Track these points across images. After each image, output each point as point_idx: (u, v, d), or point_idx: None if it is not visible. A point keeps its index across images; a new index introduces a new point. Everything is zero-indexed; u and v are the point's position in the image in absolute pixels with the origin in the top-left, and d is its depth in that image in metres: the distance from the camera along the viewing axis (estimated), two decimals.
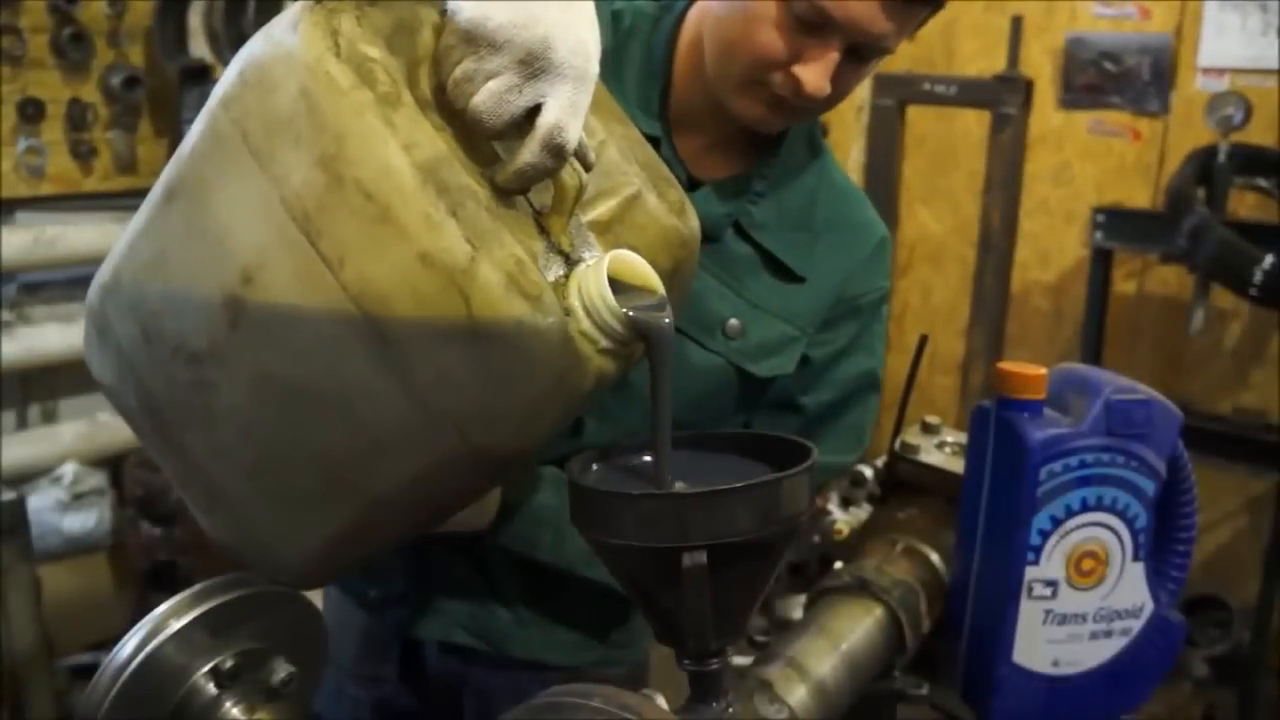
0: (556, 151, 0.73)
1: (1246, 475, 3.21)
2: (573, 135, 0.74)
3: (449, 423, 0.73)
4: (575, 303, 0.75)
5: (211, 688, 0.77)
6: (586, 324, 0.75)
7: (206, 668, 0.77)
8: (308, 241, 0.70)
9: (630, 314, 0.75)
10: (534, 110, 0.73)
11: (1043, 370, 0.96)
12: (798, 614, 1.09)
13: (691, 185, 1.10)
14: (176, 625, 0.76)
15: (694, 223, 0.90)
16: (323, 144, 0.69)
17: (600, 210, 0.84)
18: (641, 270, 0.79)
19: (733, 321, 1.13)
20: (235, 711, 0.77)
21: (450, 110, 0.75)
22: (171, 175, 0.80)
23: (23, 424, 3.49)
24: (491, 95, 0.72)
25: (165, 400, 0.83)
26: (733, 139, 1.13)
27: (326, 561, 0.85)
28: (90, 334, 0.88)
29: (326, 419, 0.76)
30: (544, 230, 0.78)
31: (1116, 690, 1.01)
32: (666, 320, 0.78)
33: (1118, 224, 3.30)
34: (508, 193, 0.75)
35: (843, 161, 1.25)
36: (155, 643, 0.75)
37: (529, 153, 0.73)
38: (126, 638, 0.75)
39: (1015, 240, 3.72)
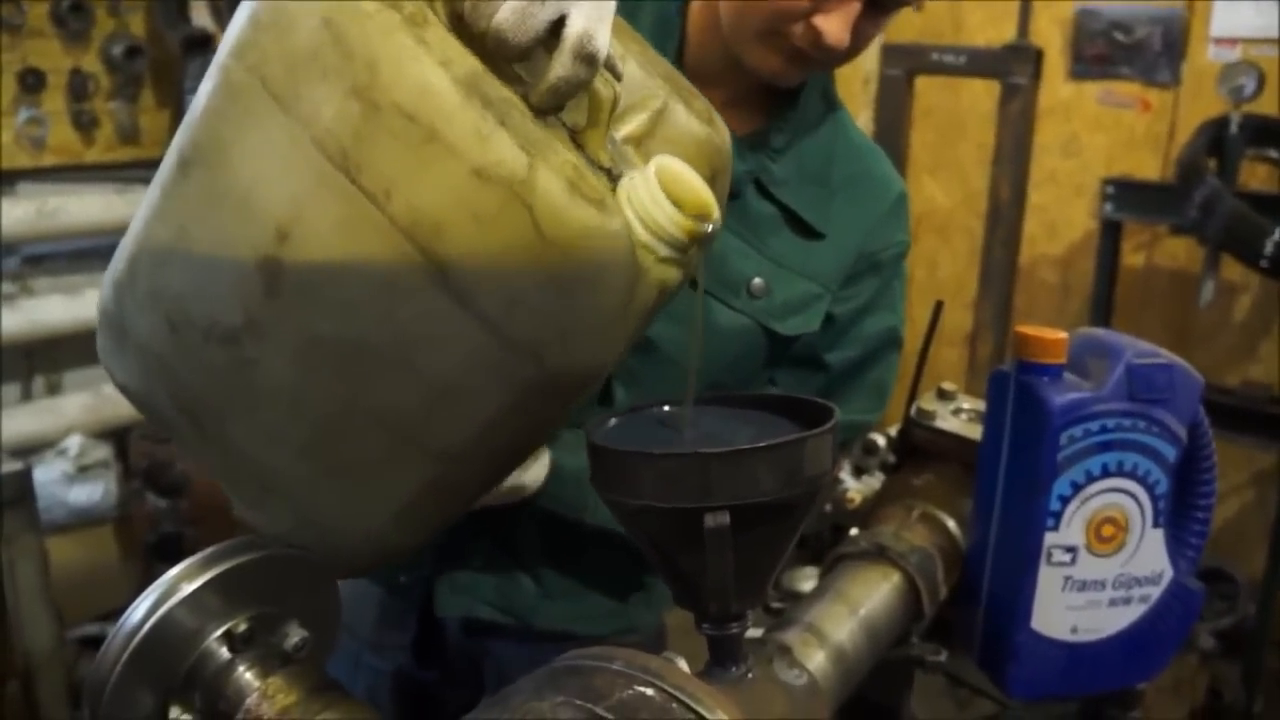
0: (589, 59, 0.70)
1: (1254, 448, 3.21)
2: (603, 42, 0.70)
3: (523, 350, 0.68)
4: (629, 214, 0.72)
5: (224, 652, 0.76)
6: (643, 234, 0.72)
7: (219, 632, 0.76)
8: (347, 179, 0.66)
9: (686, 217, 0.72)
10: (557, 24, 0.70)
11: (1063, 334, 0.95)
12: (806, 586, 1.08)
13: None
14: (188, 589, 0.74)
15: (724, 130, 0.87)
16: (354, 72, 0.65)
17: (631, 126, 0.81)
18: (686, 174, 0.76)
19: (757, 281, 1.12)
20: (249, 676, 0.75)
21: (469, 37, 0.70)
22: (183, 143, 0.75)
23: (27, 396, 3.48)
24: (513, 11, 0.69)
25: (201, 391, 0.78)
26: (749, 95, 1.12)
27: (393, 538, 0.81)
28: (106, 340, 0.83)
29: (386, 375, 0.71)
30: (580, 148, 0.74)
31: (1135, 657, 1.00)
32: (719, 220, 0.75)
33: (1127, 195, 3.27)
34: (542, 112, 0.71)
35: None
36: (167, 606, 0.73)
37: (560, 65, 0.70)
38: (138, 601, 0.74)
39: (1024, 212, 3.70)
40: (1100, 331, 1.02)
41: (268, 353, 0.73)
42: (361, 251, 0.67)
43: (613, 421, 0.76)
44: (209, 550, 0.77)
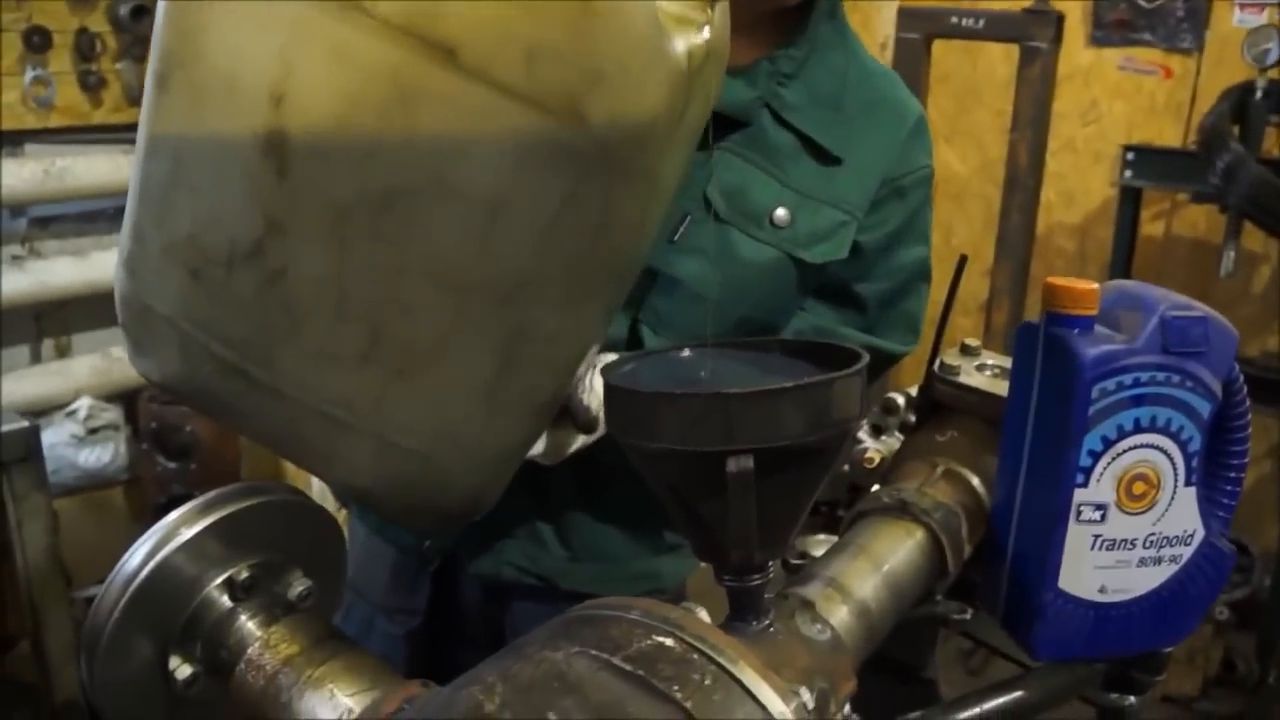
0: None
1: (1271, 420, 3.17)
2: None
3: (560, 108, 0.64)
4: None
5: (226, 600, 0.73)
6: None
7: (220, 579, 0.73)
8: None
9: None
10: None
11: (1095, 285, 0.92)
12: (818, 554, 1.06)
13: None
14: (188, 534, 0.71)
15: None
16: None
17: None
18: None
19: (780, 211, 1.10)
20: (251, 625, 0.73)
21: None
22: (155, 63, 0.71)
23: (36, 359, 3.47)
24: None
25: (242, 338, 0.74)
26: (757, 23, 1.10)
27: (487, 439, 0.76)
28: (134, 335, 0.80)
29: (426, 213, 0.66)
30: None
31: (1164, 619, 0.97)
32: None
33: (1148, 162, 3.23)
34: None
35: None
36: (166, 552, 0.71)
37: None
38: (135, 546, 0.71)
39: (1041, 179, 3.65)
40: (1132, 283, 0.98)
41: (295, 250, 0.69)
42: (362, 73, 0.63)
43: (630, 364, 0.73)
44: (209, 495, 0.74)
